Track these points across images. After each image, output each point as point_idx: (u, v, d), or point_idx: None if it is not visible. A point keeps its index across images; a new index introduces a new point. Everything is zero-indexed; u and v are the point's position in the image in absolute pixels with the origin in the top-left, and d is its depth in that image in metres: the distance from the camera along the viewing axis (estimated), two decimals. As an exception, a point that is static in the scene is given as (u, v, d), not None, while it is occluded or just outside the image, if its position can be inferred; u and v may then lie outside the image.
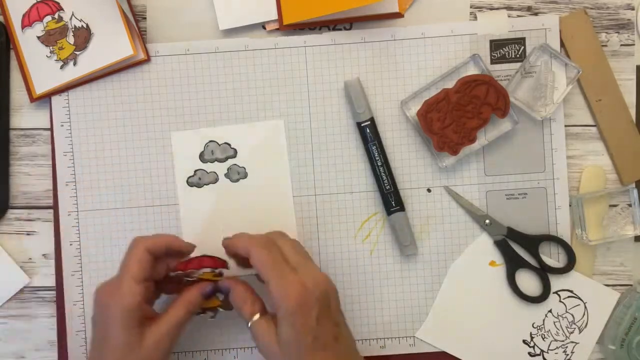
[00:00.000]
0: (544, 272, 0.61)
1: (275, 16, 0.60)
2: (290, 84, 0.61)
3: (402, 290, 0.61)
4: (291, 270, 0.49)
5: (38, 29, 0.60)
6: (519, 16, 0.61)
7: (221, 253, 0.60)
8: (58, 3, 0.60)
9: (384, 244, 0.61)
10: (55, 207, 0.61)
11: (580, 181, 0.61)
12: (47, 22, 0.60)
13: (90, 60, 0.60)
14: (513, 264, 0.61)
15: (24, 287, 0.61)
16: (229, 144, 0.61)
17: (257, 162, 0.61)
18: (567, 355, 0.61)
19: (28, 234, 0.62)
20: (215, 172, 0.61)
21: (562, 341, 0.61)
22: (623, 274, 0.62)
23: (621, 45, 0.61)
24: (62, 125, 0.61)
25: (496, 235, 0.61)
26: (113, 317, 0.49)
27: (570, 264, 0.60)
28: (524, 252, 0.61)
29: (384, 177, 0.60)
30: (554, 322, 0.61)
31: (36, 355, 0.62)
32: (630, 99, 0.61)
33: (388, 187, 0.60)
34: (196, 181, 0.61)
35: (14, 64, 0.61)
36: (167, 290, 0.55)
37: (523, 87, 0.60)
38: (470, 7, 0.61)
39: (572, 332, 0.61)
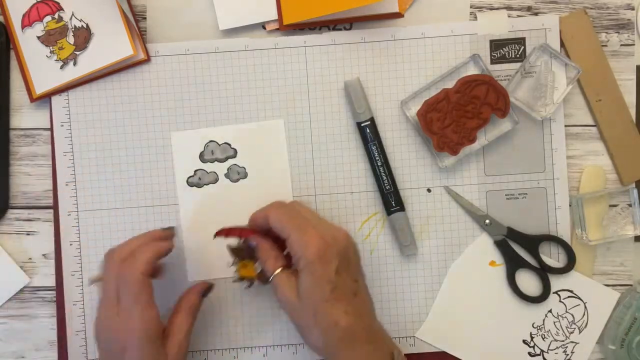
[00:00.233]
0: (544, 272, 0.61)
1: (275, 16, 0.60)
2: (290, 84, 0.61)
3: (402, 290, 0.61)
4: (310, 225, 0.50)
5: (38, 29, 0.60)
6: (519, 16, 0.61)
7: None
8: (58, 3, 0.60)
9: (384, 244, 0.61)
10: (55, 207, 0.61)
11: (580, 181, 0.61)
12: (47, 22, 0.60)
13: (90, 60, 0.60)
14: (513, 264, 0.61)
15: (24, 287, 0.61)
16: (229, 144, 0.61)
17: (257, 162, 0.61)
18: (567, 355, 0.61)
19: (28, 234, 0.62)
20: (215, 172, 0.61)
21: (562, 341, 0.61)
22: (623, 274, 0.62)
23: (621, 45, 0.61)
24: (62, 125, 0.61)
25: (496, 235, 0.61)
26: (138, 346, 0.49)
27: (570, 264, 0.60)
28: (524, 252, 0.61)
29: (384, 177, 0.60)
30: (554, 322, 0.61)
31: (36, 355, 0.62)
32: (630, 99, 0.61)
33: (388, 187, 0.60)
34: (196, 181, 0.61)
35: (14, 64, 0.61)
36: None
37: (523, 87, 0.60)
38: (470, 7, 0.61)
39: (572, 332, 0.61)
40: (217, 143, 0.61)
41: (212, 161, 0.61)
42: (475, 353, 0.61)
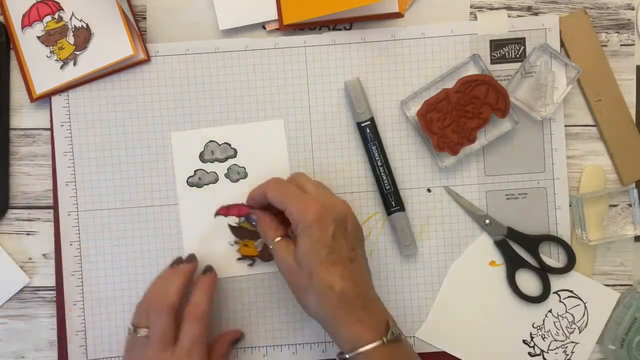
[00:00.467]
0: (544, 272, 0.61)
1: (275, 16, 0.60)
2: (290, 84, 0.61)
3: (402, 290, 0.61)
4: (309, 195, 0.52)
5: (38, 29, 0.60)
6: (519, 16, 0.61)
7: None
8: (58, 3, 0.60)
9: (384, 244, 0.61)
10: (55, 207, 0.61)
11: (580, 181, 0.61)
12: (47, 22, 0.60)
13: (90, 60, 0.60)
14: (513, 264, 0.61)
15: (24, 287, 0.61)
16: (229, 144, 0.61)
17: (257, 162, 0.61)
18: (567, 355, 0.61)
19: (28, 234, 0.62)
20: (215, 172, 0.61)
21: (562, 341, 0.61)
22: (623, 274, 0.62)
23: (621, 45, 0.61)
24: (62, 125, 0.61)
25: (496, 235, 0.61)
26: None
27: (570, 264, 0.60)
28: (524, 252, 0.61)
29: (384, 177, 0.60)
30: (554, 322, 0.61)
31: (36, 355, 0.62)
32: (630, 99, 0.61)
33: (388, 187, 0.60)
34: (196, 181, 0.61)
35: (14, 64, 0.61)
36: None
37: (523, 87, 0.60)
38: (470, 7, 0.61)
39: (572, 332, 0.61)
40: (217, 143, 0.61)
41: (212, 161, 0.61)
42: (475, 353, 0.61)
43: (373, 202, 0.61)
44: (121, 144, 0.61)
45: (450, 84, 0.59)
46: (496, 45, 0.61)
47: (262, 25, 0.61)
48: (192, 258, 0.58)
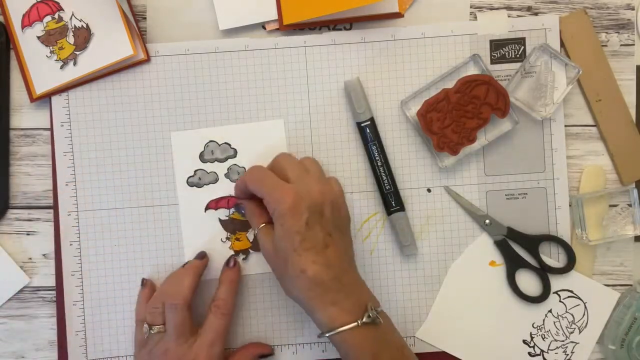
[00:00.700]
0: (544, 272, 0.61)
1: (275, 16, 0.60)
2: (290, 84, 0.61)
3: (402, 290, 0.61)
4: (285, 182, 0.53)
5: (38, 29, 0.60)
6: (519, 16, 0.61)
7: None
8: (58, 3, 0.60)
9: (384, 244, 0.61)
10: (55, 207, 0.61)
11: (580, 181, 0.61)
12: (47, 22, 0.60)
13: (90, 60, 0.60)
14: (513, 264, 0.61)
15: (24, 287, 0.61)
16: (229, 144, 0.61)
17: (257, 162, 0.61)
18: (567, 355, 0.61)
19: (28, 234, 0.62)
20: (215, 172, 0.61)
21: (562, 341, 0.61)
22: (623, 274, 0.62)
23: (621, 45, 0.61)
24: (62, 125, 0.61)
25: (496, 235, 0.61)
26: None
27: (570, 264, 0.60)
28: (524, 252, 0.61)
29: (384, 177, 0.60)
30: (554, 322, 0.61)
31: (36, 355, 0.62)
32: (630, 99, 0.61)
33: (388, 187, 0.60)
34: (196, 181, 0.61)
35: (14, 64, 0.61)
36: None
37: (523, 87, 0.60)
38: (470, 7, 0.61)
39: (572, 332, 0.61)
40: (217, 143, 0.61)
41: (212, 161, 0.61)
42: (475, 353, 0.61)
43: (373, 202, 0.61)
44: (121, 144, 0.61)
45: (450, 84, 0.59)
46: (496, 45, 0.61)
47: (262, 25, 0.61)
48: (202, 255, 0.59)
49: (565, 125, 0.61)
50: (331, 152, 0.61)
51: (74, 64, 0.60)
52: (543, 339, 0.61)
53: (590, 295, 0.61)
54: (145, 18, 0.61)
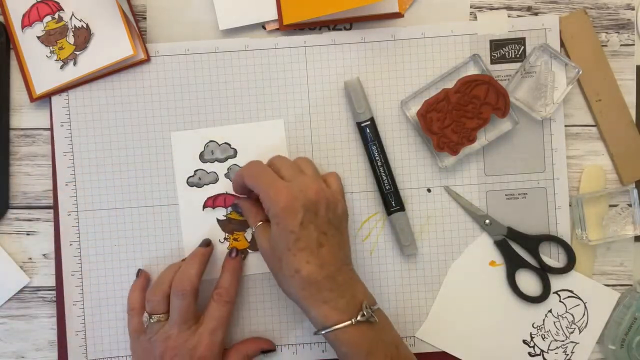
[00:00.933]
0: (544, 272, 0.61)
1: (275, 16, 0.60)
2: (290, 84, 0.61)
3: (402, 290, 0.61)
4: (281, 180, 0.53)
5: (38, 29, 0.60)
6: (519, 16, 0.61)
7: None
8: (58, 3, 0.60)
9: (384, 244, 0.61)
10: (55, 207, 0.61)
11: (580, 181, 0.61)
12: (47, 22, 0.60)
13: (90, 60, 0.60)
14: (513, 264, 0.61)
15: (24, 287, 0.61)
16: (229, 144, 0.61)
17: (257, 162, 0.61)
18: (567, 355, 0.61)
19: (28, 234, 0.62)
20: (215, 172, 0.61)
21: (562, 341, 0.61)
22: (623, 274, 0.62)
23: (621, 45, 0.61)
24: (62, 125, 0.61)
25: (496, 235, 0.61)
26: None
27: (570, 264, 0.60)
28: (524, 252, 0.61)
29: (384, 177, 0.60)
30: (554, 322, 0.61)
31: (36, 355, 0.62)
32: (630, 99, 0.61)
33: (388, 187, 0.60)
34: (196, 181, 0.61)
35: (14, 64, 0.61)
36: None
37: (523, 87, 0.60)
38: (470, 7, 0.61)
39: (572, 332, 0.61)
40: (217, 143, 0.61)
41: (212, 161, 0.61)
42: (475, 353, 0.61)
43: (373, 202, 0.61)
44: (121, 144, 0.61)
45: (450, 84, 0.59)
46: (496, 45, 0.61)
47: (262, 25, 0.61)
48: (207, 242, 0.60)
49: (565, 125, 0.61)
50: (331, 152, 0.61)
51: (74, 64, 0.60)
52: (543, 339, 0.61)
53: (590, 295, 0.61)
54: (145, 18, 0.61)
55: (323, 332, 0.51)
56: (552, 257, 0.61)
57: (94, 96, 0.61)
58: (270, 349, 0.60)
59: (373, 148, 0.60)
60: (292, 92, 0.61)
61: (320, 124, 0.61)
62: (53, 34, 0.60)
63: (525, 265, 0.61)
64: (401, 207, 0.60)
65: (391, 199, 0.60)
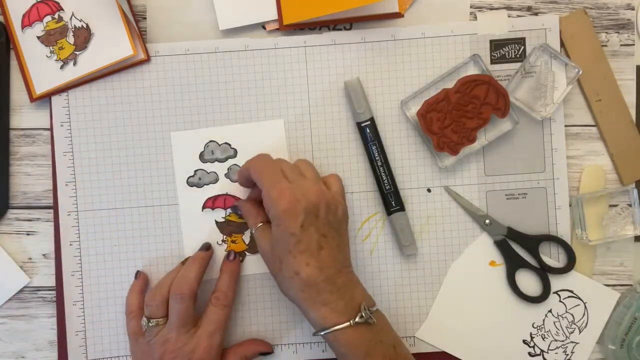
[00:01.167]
0: (544, 272, 0.61)
1: (275, 16, 0.60)
2: (290, 84, 0.61)
3: (402, 290, 0.61)
4: (285, 179, 0.53)
5: (38, 29, 0.60)
6: (519, 16, 0.61)
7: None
8: (58, 3, 0.60)
9: (384, 244, 0.61)
10: (55, 207, 0.61)
11: (580, 181, 0.61)
12: (47, 22, 0.60)
13: (90, 60, 0.60)
14: (513, 264, 0.61)
15: (24, 287, 0.61)
16: (229, 144, 0.61)
17: (257, 162, 0.61)
18: (567, 355, 0.61)
19: (28, 234, 0.62)
20: (215, 172, 0.61)
21: (562, 341, 0.61)
22: (623, 274, 0.62)
23: (621, 45, 0.61)
24: (62, 125, 0.61)
25: (496, 235, 0.61)
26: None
27: (570, 264, 0.60)
28: (524, 252, 0.61)
29: (384, 177, 0.60)
30: (554, 322, 0.61)
31: (36, 355, 0.62)
32: (630, 99, 0.61)
33: (388, 187, 0.60)
34: (196, 181, 0.61)
35: (14, 64, 0.61)
36: None
37: (523, 87, 0.60)
38: (470, 7, 0.61)
39: (572, 332, 0.61)
40: (217, 143, 0.61)
41: (212, 161, 0.61)
42: (475, 353, 0.61)
43: (373, 202, 0.61)
44: (121, 144, 0.61)
45: (450, 84, 0.59)
46: (496, 45, 0.61)
47: (262, 25, 0.61)
48: (207, 246, 0.60)
49: (565, 125, 0.61)
50: (331, 152, 0.61)
51: (74, 64, 0.60)
52: (543, 339, 0.61)
53: (590, 295, 0.61)
54: (145, 18, 0.61)
55: (322, 334, 0.51)
56: (552, 257, 0.61)
57: (94, 96, 0.61)
58: (267, 351, 0.60)
59: (373, 148, 0.60)
60: (292, 92, 0.61)
61: (320, 124, 0.61)
62: (53, 34, 0.60)
63: (525, 265, 0.61)
64: (401, 207, 0.60)
65: (391, 199, 0.60)
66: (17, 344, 0.61)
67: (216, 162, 0.61)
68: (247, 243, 0.61)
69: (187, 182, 0.61)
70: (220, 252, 0.61)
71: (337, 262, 0.53)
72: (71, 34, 0.60)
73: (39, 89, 0.60)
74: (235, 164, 0.61)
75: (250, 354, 0.59)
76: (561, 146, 0.61)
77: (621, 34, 0.61)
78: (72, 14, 0.60)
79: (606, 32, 0.61)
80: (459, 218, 0.61)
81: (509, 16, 0.61)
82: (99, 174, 0.61)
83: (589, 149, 0.62)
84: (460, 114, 0.58)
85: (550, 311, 0.61)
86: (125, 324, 0.59)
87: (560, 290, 0.61)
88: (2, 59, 0.61)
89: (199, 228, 0.61)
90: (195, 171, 0.61)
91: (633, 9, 0.61)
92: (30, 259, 0.62)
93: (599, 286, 0.61)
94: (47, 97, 0.60)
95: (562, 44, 0.61)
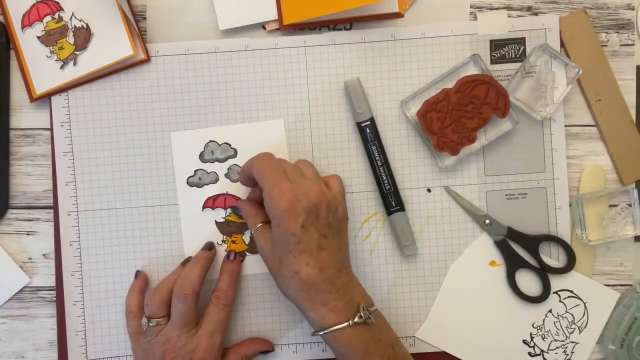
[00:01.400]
0: (544, 272, 0.61)
1: (275, 16, 0.60)
2: (290, 84, 0.61)
3: (402, 290, 0.61)
4: (286, 179, 0.53)
5: (38, 29, 0.60)
6: (519, 16, 0.61)
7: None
8: (58, 3, 0.60)
9: (384, 244, 0.61)
10: (55, 207, 0.61)
11: (580, 181, 0.61)
12: (47, 22, 0.60)
13: (90, 60, 0.60)
14: (513, 264, 0.61)
15: (24, 287, 0.61)
16: (229, 144, 0.61)
17: (257, 162, 0.61)
18: (567, 355, 0.61)
19: (28, 234, 0.62)
20: (215, 172, 0.61)
21: (562, 341, 0.61)
22: (623, 274, 0.62)
23: (621, 45, 0.61)
24: (62, 125, 0.61)
25: (496, 235, 0.61)
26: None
27: (570, 264, 0.60)
28: (524, 252, 0.61)
29: (384, 177, 0.60)
30: (554, 322, 0.61)
31: (36, 355, 0.62)
32: (630, 99, 0.61)
33: (388, 187, 0.60)
34: (196, 181, 0.61)
35: (14, 64, 0.61)
36: None
37: (523, 87, 0.60)
38: (470, 7, 0.61)
39: (572, 332, 0.61)
40: (217, 143, 0.61)
41: (212, 161, 0.61)
42: (475, 353, 0.61)
43: (373, 202, 0.61)
44: (121, 144, 0.61)
45: (450, 84, 0.59)
46: (496, 45, 0.61)
47: (262, 25, 0.61)
48: (210, 246, 0.60)
49: (565, 125, 0.61)
50: (331, 152, 0.61)
51: (74, 64, 0.60)
52: (543, 339, 0.61)
53: (590, 295, 0.61)
54: (145, 18, 0.61)
55: (321, 333, 0.52)
56: (552, 257, 0.61)
57: (94, 96, 0.61)
58: (268, 349, 0.60)
59: (373, 148, 0.60)
60: (292, 92, 0.61)
61: (320, 124, 0.61)
62: (53, 34, 0.60)
63: (525, 265, 0.61)
64: (401, 207, 0.60)
65: (391, 199, 0.60)
66: (17, 344, 0.62)
67: (216, 162, 0.61)
68: (247, 243, 0.61)
69: (187, 182, 0.61)
70: (220, 252, 0.61)
71: (336, 263, 0.53)
72: (71, 34, 0.60)
73: (39, 89, 0.60)
74: (235, 164, 0.61)
75: (250, 353, 0.59)
76: (561, 146, 0.61)
77: (621, 34, 0.61)
78: (72, 14, 0.60)
79: (606, 32, 0.61)
80: (459, 218, 0.61)
81: (509, 16, 0.61)
82: (99, 174, 0.61)
83: (589, 149, 0.62)
84: (460, 114, 0.58)
85: (550, 311, 0.61)
86: (125, 324, 0.59)
87: (560, 290, 0.61)
88: (2, 59, 0.61)
89: (199, 228, 0.61)
90: (195, 171, 0.61)
91: (633, 9, 0.61)
92: (30, 259, 0.62)
93: (599, 286, 0.61)
94: (47, 97, 0.60)
95: (562, 44, 0.61)
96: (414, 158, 0.61)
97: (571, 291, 0.61)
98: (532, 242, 0.61)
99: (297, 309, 0.54)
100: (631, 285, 0.61)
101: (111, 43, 0.59)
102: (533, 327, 0.61)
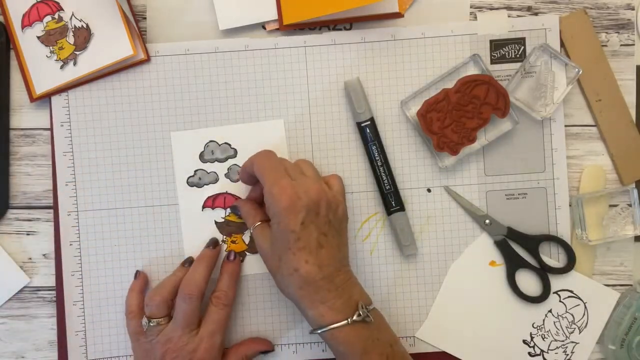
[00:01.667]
0: (544, 272, 0.61)
1: (275, 16, 0.60)
2: (290, 84, 0.61)
3: (402, 290, 0.61)
4: (287, 177, 0.53)
5: (38, 29, 0.60)
6: (519, 16, 0.61)
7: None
8: (58, 3, 0.60)
9: (384, 244, 0.61)
10: (55, 207, 0.61)
11: (580, 181, 0.61)
12: (47, 22, 0.60)
13: (90, 60, 0.60)
14: (513, 264, 0.61)
15: (24, 287, 0.61)
16: (229, 144, 0.61)
17: (257, 162, 0.61)
18: (567, 355, 0.61)
19: (28, 234, 0.62)
20: (215, 172, 0.61)
21: (562, 341, 0.61)
22: (623, 274, 0.62)
23: (621, 45, 0.61)
24: (62, 125, 0.61)
25: (496, 235, 0.61)
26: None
27: (570, 264, 0.60)
28: (524, 252, 0.61)
29: (384, 177, 0.60)
30: (554, 322, 0.61)
31: (36, 355, 0.62)
32: (630, 99, 0.61)
33: (388, 187, 0.60)
34: (196, 181, 0.61)
35: (14, 64, 0.61)
36: None
37: (523, 87, 0.60)
38: (470, 7, 0.61)
39: (572, 332, 0.61)
40: (217, 143, 0.61)
41: (212, 161, 0.61)
42: (475, 353, 0.61)
43: (373, 202, 0.61)
44: (121, 144, 0.61)
45: (450, 84, 0.59)
46: (496, 45, 0.61)
47: (262, 25, 0.61)
48: (215, 242, 0.60)
49: (565, 125, 0.61)
50: (331, 152, 0.61)
51: (74, 64, 0.60)
52: (543, 339, 0.61)
53: (590, 295, 0.61)
54: (145, 18, 0.61)
55: (319, 332, 0.52)
56: (552, 257, 0.61)
57: (94, 96, 0.61)
58: (268, 349, 0.60)
59: (373, 148, 0.60)
60: (292, 92, 0.61)
61: (320, 124, 0.61)
62: (53, 34, 0.60)
63: (525, 265, 0.61)
64: (401, 207, 0.60)
65: (391, 199, 0.60)
66: (17, 344, 0.62)
67: (216, 162, 0.61)
68: (247, 243, 0.61)
69: (187, 182, 0.61)
70: (220, 252, 0.61)
71: (336, 261, 0.53)
72: (71, 34, 0.60)
73: (39, 89, 0.60)
74: (235, 164, 0.61)
75: (251, 353, 0.59)
76: (561, 146, 0.61)
77: (621, 34, 0.61)
78: (72, 14, 0.60)
79: (606, 32, 0.61)
80: (459, 218, 0.61)
81: (509, 16, 0.61)
82: (99, 174, 0.61)
83: (589, 149, 0.62)
84: (460, 114, 0.58)
85: (550, 311, 0.61)
86: (125, 324, 0.59)
87: (560, 290, 0.61)
88: (2, 59, 0.61)
89: (199, 228, 0.61)
90: (195, 171, 0.61)
91: (633, 9, 0.61)
92: (30, 259, 0.62)
93: (599, 286, 0.61)
94: (47, 97, 0.60)
95: (562, 44, 0.61)
96: (414, 158, 0.61)
97: (571, 291, 0.61)
98: (532, 242, 0.61)
99: (296, 308, 0.54)
100: (631, 285, 0.61)
101: (111, 43, 0.59)
102: (533, 327, 0.61)
